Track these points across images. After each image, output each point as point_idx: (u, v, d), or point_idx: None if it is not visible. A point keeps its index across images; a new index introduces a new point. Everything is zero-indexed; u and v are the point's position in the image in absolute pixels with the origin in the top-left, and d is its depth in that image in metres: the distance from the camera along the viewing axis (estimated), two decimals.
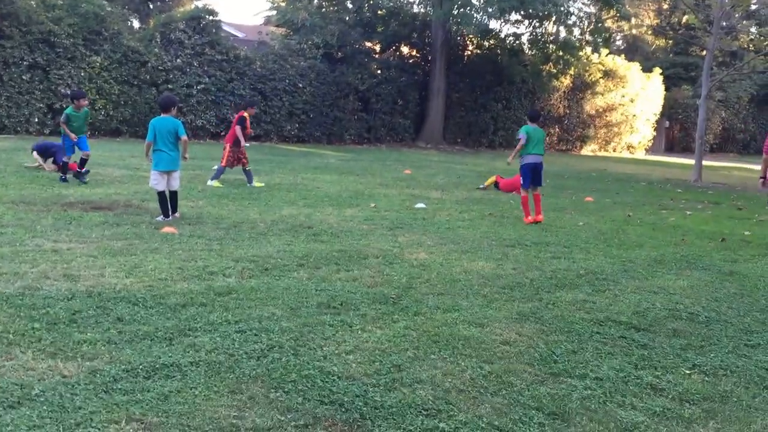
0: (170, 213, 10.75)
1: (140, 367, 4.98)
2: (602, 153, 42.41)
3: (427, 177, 20.21)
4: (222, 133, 29.26)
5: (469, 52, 37.73)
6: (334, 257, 8.84)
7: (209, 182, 15.16)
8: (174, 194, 10.89)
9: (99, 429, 4.10)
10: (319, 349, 5.61)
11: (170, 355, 5.24)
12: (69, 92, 21.43)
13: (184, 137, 10.90)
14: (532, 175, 12.66)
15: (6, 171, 14.75)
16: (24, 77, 24.45)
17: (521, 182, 12.90)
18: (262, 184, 15.62)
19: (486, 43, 36.90)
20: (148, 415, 4.30)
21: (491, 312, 6.92)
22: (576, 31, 35.91)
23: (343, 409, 4.57)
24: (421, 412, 4.62)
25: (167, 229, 9.80)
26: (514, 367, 5.50)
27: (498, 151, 35.06)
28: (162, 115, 10.82)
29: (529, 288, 7.95)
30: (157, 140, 10.65)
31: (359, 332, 6.07)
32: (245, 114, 15.83)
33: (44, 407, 4.30)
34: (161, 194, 10.70)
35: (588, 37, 35.89)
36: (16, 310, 5.96)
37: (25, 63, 24.56)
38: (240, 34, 38.63)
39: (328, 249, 9.33)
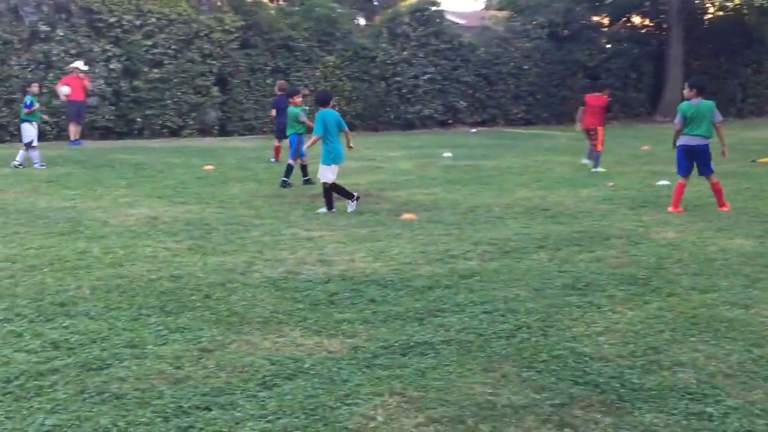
0: (332, 206, 10.68)
1: (396, 344, 5.24)
2: None
3: (667, 152, 19.25)
4: (449, 121, 29.69)
5: (711, 15, 35.46)
6: (574, 238, 8.75)
7: (593, 169, 15.25)
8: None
9: (365, 400, 4.37)
10: (568, 329, 5.61)
11: (422, 334, 5.47)
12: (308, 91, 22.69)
13: (347, 128, 11.07)
14: (687, 161, 10.72)
15: (258, 168, 15.85)
16: (268, 81, 26.10)
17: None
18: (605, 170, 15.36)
19: (729, 4, 34.49)
20: (408, 389, 4.52)
21: (756, 293, 6.53)
22: None
23: (599, 390, 4.54)
24: (684, 395, 4.47)
25: (407, 216, 10.14)
26: None
27: (748, 120, 32.56)
28: (323, 109, 10.84)
29: None
30: (330, 133, 10.66)
31: (608, 313, 5.99)
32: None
33: (316, 380, 4.65)
34: (334, 186, 10.70)
35: None
36: (282, 293, 6.48)
37: (268, 68, 26.31)
38: (462, 21, 38.89)
39: (567, 230, 9.24)
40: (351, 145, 11.29)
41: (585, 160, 16.12)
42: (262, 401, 4.36)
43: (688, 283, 6.83)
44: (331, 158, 10.67)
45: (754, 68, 34.51)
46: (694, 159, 10.69)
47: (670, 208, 10.62)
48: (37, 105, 16.35)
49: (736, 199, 11.50)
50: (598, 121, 15.71)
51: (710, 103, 10.62)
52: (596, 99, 15.97)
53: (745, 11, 34.13)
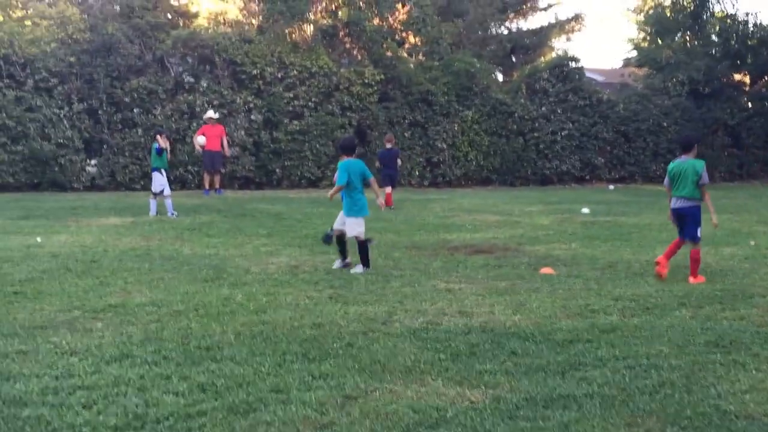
0: (369, 263, 10.30)
1: (538, 396, 5.34)
2: None
3: None
4: (586, 177, 29.42)
5: None
6: (716, 296, 8.63)
7: None
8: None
9: None
10: (712, 387, 5.57)
11: (564, 387, 5.55)
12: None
13: (372, 178, 10.60)
14: (677, 223, 10.18)
15: (396, 220, 16.22)
16: (406, 134, 26.66)
17: None
18: None
19: None
20: None
21: None
22: None
23: None
24: None
25: (546, 270, 10.20)
26: None
27: None
28: (348, 158, 10.51)
29: None
30: (354, 184, 10.31)
31: (753, 372, 5.92)
32: None
33: (459, 429, 4.81)
34: (366, 243, 10.36)
35: None
36: (423, 343, 6.68)
37: (406, 121, 26.84)
38: (600, 78, 38.61)
39: (710, 288, 9.11)
40: (380, 201, 11.05)
41: None
42: None
43: None
44: (356, 210, 10.36)
45: None
46: (680, 222, 10.12)
47: (691, 279, 9.74)
48: (165, 152, 16.65)
49: None
50: None
51: (696, 162, 9.99)
52: None
53: None
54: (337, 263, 10.54)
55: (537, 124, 28.50)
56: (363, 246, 10.34)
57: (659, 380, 5.69)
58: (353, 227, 10.34)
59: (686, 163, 9.96)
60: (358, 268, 10.21)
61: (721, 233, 14.29)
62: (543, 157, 28.58)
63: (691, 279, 9.73)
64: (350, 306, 8.13)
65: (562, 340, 6.77)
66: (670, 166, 10.19)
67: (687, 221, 9.99)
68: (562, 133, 28.78)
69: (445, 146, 27.12)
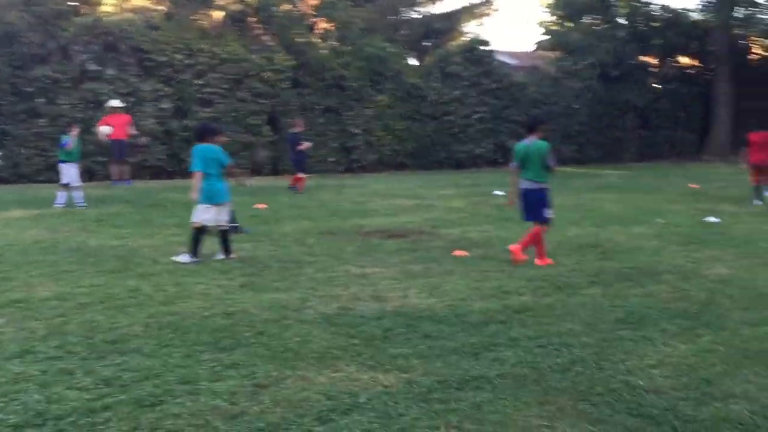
0: (229, 252, 10.06)
1: (452, 378, 5.32)
2: None
3: (716, 190, 19.19)
4: (500, 160, 29.76)
5: (758, 56, 35.29)
6: (626, 274, 8.79)
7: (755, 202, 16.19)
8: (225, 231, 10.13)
9: None
10: (622, 363, 5.65)
11: (478, 368, 5.54)
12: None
13: (230, 163, 10.28)
14: (523, 205, 9.90)
15: (311, 206, 16.06)
16: (319, 120, 26.46)
17: None
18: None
19: None
20: (465, 423, 4.59)
21: None
22: None
23: (654, 422, 4.58)
24: (737, 426, 4.53)
25: (459, 253, 10.23)
26: None
27: None
28: (202, 144, 10.11)
29: None
30: (209, 170, 9.92)
31: (661, 347, 6.03)
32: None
33: (372, 414, 4.74)
34: (202, 230, 9.94)
35: None
36: (336, 329, 6.59)
37: (319, 107, 26.63)
38: (512, 61, 39.09)
39: (619, 266, 9.27)
40: (244, 182, 10.52)
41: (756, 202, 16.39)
42: None
43: (739, 317, 6.88)
44: (207, 197, 9.92)
45: None
46: (527, 204, 9.85)
47: (537, 260, 9.60)
48: (71, 144, 16.13)
49: None
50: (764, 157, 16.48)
51: (541, 143, 9.73)
52: (762, 136, 16.70)
53: None
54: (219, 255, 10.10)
55: (450, 108, 28.68)
56: (196, 234, 9.88)
57: (570, 358, 5.74)
58: (200, 213, 9.91)
59: (532, 145, 9.72)
60: (183, 257, 9.80)
61: (630, 212, 14.67)
62: (457, 141, 28.79)
63: (537, 261, 9.52)
64: (263, 294, 7.99)
65: (475, 321, 6.77)
66: (516, 147, 9.95)
67: (535, 203, 9.75)
68: (475, 117, 29.03)
69: (359, 131, 27.03)
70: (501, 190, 18.62)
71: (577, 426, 4.53)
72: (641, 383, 5.20)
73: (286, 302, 7.58)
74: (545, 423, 4.57)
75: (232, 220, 11.53)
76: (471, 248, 10.65)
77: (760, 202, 16.11)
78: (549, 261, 9.58)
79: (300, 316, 7.03)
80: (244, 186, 10.89)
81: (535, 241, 9.67)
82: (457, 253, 10.26)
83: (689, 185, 20.59)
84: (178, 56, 24.24)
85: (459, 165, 28.76)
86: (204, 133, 10.30)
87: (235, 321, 6.88)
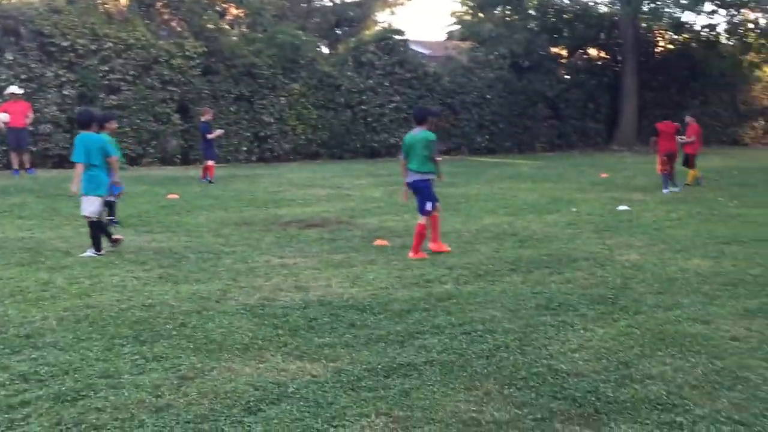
0: (100, 247, 9.58)
1: (379, 366, 5.34)
2: None
3: (625, 179, 19.75)
4: None
5: (662, 48, 36.48)
6: (544, 261, 8.96)
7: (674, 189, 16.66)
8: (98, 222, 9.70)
9: (352, 422, 4.45)
10: (544, 347, 5.77)
11: (404, 355, 5.58)
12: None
13: (115, 156, 9.99)
14: (416, 197, 9.75)
15: (225, 196, 15.87)
16: (231, 108, 26.11)
17: None
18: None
19: (679, 38, 35.58)
20: (394, 409, 4.62)
21: (715, 309, 6.82)
22: None
23: (577, 404, 4.69)
24: (655, 406, 4.66)
25: (380, 242, 10.26)
26: (747, 362, 5.42)
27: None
28: (85, 132, 9.73)
29: (754, 285, 7.72)
30: (92, 160, 9.52)
31: (581, 331, 6.18)
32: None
33: (301, 403, 4.72)
34: (99, 224, 9.65)
35: None
36: (260, 319, 6.53)
37: (231, 95, 26.24)
38: (426, 51, 39.34)
39: (537, 254, 9.45)
40: (116, 179, 10.15)
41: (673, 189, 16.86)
42: (248, 427, 4.41)
43: (652, 302, 7.10)
44: (92, 188, 9.55)
45: (701, 100, 35.50)
46: (417, 195, 9.68)
47: (432, 245, 9.62)
48: None
49: (691, 223, 12.02)
50: (675, 145, 17.07)
51: (427, 134, 9.54)
52: (669, 126, 17.23)
53: (693, 45, 35.23)
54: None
55: (365, 97, 28.68)
56: (95, 227, 9.55)
57: (495, 344, 5.83)
58: (87, 205, 9.56)
59: (417, 135, 9.51)
60: (88, 252, 9.45)
61: (543, 201, 14.97)
62: (371, 130, 28.82)
63: (411, 254, 9.36)
64: (181, 285, 7.86)
65: (399, 310, 6.81)
66: (404, 139, 9.77)
67: (417, 195, 9.63)
68: (390, 106, 29.11)
69: (272, 120, 26.78)
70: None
71: (503, 410, 4.60)
72: (563, 367, 5.32)
73: (207, 293, 7.47)
74: (473, 408, 4.63)
75: (111, 213, 11.41)
76: (390, 237, 10.69)
77: (671, 190, 16.61)
78: (423, 255, 9.36)
79: (222, 308, 6.94)
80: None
81: (419, 233, 9.47)
82: (378, 242, 10.29)
83: (600, 174, 21.09)
84: (82, 41, 23.40)
85: (373, 154, 28.82)
86: (89, 121, 9.93)
87: (155, 313, 6.75)
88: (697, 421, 4.46)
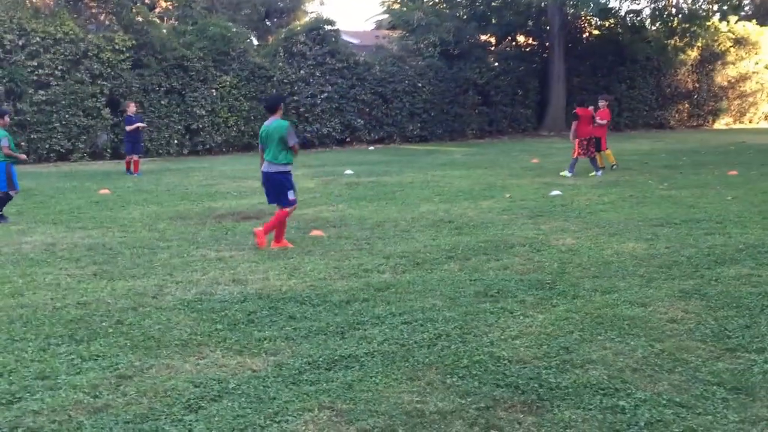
0: None
1: (320, 359, 5.29)
2: (737, 126, 40.61)
3: (555, 165, 19.98)
4: (347, 139, 29.90)
5: (588, 34, 37.09)
6: (481, 248, 9.01)
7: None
8: None
9: (295, 417, 4.40)
10: (485, 335, 5.78)
11: (346, 347, 5.54)
12: None
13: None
14: (265, 188, 9.57)
15: (158, 190, 15.60)
16: (162, 102, 25.66)
17: None
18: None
19: (605, 23, 36.24)
20: (337, 402, 4.58)
21: (651, 291, 6.93)
22: (701, 1, 34.67)
23: (520, 391, 4.72)
24: (597, 391, 4.71)
25: (316, 233, 10.19)
26: (685, 344, 5.51)
27: (624, 133, 34.17)
28: None
29: (687, 265, 7.88)
30: None
31: (521, 318, 6.21)
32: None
33: (243, 399, 4.65)
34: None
35: (714, 6, 34.56)
36: (198, 314, 6.43)
37: (162, 89, 25.79)
38: (356, 41, 39.27)
39: (474, 240, 9.49)
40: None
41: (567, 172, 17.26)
42: (189, 425, 4.33)
43: (590, 286, 7.17)
44: None
45: (627, 84, 36.28)
46: (267, 188, 9.50)
47: (274, 243, 9.37)
48: None
49: (623, 206, 12.19)
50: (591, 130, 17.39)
51: (281, 123, 9.28)
52: (587, 111, 17.52)
53: (619, 30, 35.92)
54: None
55: (296, 88, 28.49)
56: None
57: (435, 333, 5.83)
58: None
59: (271, 126, 9.25)
60: None
61: (478, 188, 15.07)
62: (304, 121, 28.65)
63: (274, 243, 9.28)
64: (116, 281, 7.69)
65: (338, 301, 6.77)
66: (261, 130, 9.44)
67: (276, 187, 9.37)
68: (322, 96, 28.97)
69: (204, 113, 26.43)
70: (351, 170, 18.77)
71: (447, 399, 4.60)
72: (505, 354, 5.34)
73: (143, 289, 7.32)
74: (416, 398, 4.62)
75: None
76: (326, 228, 10.63)
77: (599, 173, 16.90)
78: (287, 244, 9.33)
79: (159, 303, 6.81)
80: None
81: (278, 224, 9.34)
82: (314, 233, 10.21)
83: (531, 160, 21.37)
84: (9, 36, 22.94)
85: (307, 145, 28.62)
86: None
87: (90, 311, 6.60)
88: (639, 404, 4.51)
